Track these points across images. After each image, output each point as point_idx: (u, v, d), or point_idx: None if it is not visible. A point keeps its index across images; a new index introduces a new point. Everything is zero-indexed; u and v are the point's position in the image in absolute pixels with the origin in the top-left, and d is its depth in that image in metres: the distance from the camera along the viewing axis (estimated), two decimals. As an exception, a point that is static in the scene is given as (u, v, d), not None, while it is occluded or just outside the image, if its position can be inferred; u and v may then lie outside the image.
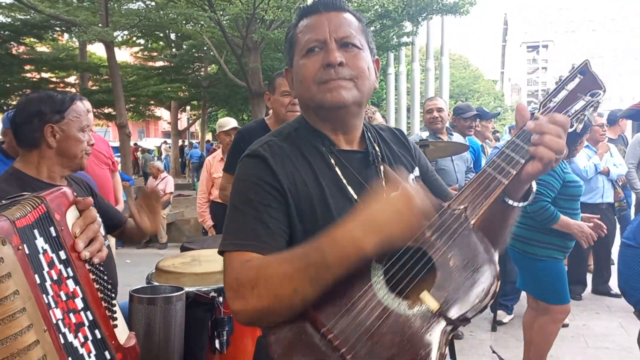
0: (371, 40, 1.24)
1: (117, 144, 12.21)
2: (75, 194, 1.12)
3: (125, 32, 14.56)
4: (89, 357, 1.02)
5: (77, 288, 1.03)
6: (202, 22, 11.11)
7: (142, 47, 19.76)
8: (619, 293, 3.87)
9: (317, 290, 0.98)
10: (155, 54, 19.84)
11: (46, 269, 0.96)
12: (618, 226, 5.29)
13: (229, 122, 4.91)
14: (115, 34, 11.43)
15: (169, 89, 18.68)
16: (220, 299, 1.90)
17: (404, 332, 0.96)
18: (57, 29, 14.31)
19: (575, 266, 4.96)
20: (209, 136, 28.05)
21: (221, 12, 10.09)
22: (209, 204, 4.64)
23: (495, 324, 4.23)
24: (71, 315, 1.00)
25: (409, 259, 1.04)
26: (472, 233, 1.01)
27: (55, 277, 0.98)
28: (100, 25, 10.39)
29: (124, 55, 19.72)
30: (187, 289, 1.90)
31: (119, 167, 6.71)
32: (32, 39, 15.17)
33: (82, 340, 1.01)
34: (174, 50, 17.61)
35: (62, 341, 0.94)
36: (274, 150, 1.17)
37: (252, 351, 1.98)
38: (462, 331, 4.01)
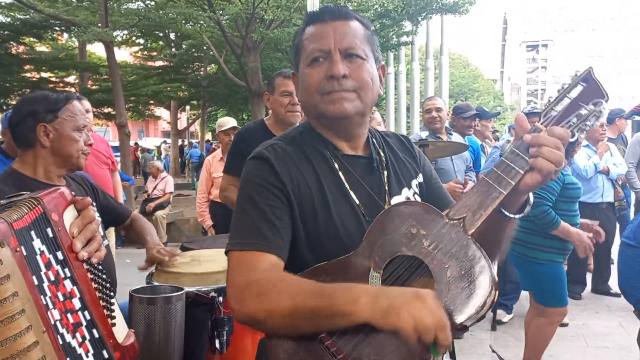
0: (377, 47, 1.24)
1: (116, 143, 12.21)
2: (73, 193, 1.12)
3: (125, 32, 14.54)
4: (87, 356, 1.02)
5: (75, 288, 1.03)
6: (201, 22, 11.09)
7: (141, 47, 19.75)
8: (618, 292, 3.87)
9: (314, 329, 1.01)
10: (154, 53, 19.83)
11: (43, 270, 0.96)
12: (618, 226, 5.29)
13: (228, 122, 4.91)
14: (114, 33, 11.41)
15: (169, 88, 18.67)
16: (220, 298, 1.90)
17: (400, 342, 0.96)
18: (57, 28, 14.28)
19: (575, 266, 4.96)
20: (208, 136, 28.06)
21: (221, 12, 10.08)
22: (209, 203, 4.64)
23: (495, 323, 4.23)
24: (69, 315, 1.00)
25: (406, 269, 1.06)
26: (470, 243, 1.01)
27: (52, 278, 0.98)
28: (99, 24, 10.38)
29: (123, 54, 19.71)
30: (187, 289, 1.90)
31: (119, 166, 6.70)
32: (31, 39, 15.14)
33: (80, 340, 1.01)
34: (173, 49, 17.60)
35: (61, 342, 0.95)
36: (278, 152, 1.19)
37: (252, 351, 1.99)
38: (462, 331, 4.01)
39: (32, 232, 0.96)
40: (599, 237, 3.01)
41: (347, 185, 1.20)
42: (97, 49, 17.56)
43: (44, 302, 0.93)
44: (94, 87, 16.64)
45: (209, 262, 2.13)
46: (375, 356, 0.99)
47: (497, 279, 0.99)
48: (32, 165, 1.79)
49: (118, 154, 9.32)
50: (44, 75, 16.49)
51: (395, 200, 1.24)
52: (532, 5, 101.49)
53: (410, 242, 1.05)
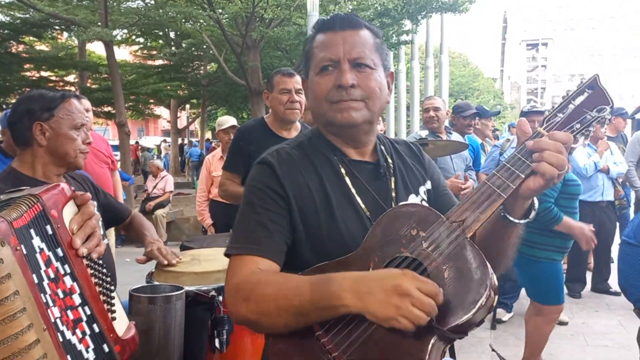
0: (386, 56, 1.26)
1: (116, 142, 12.20)
2: (73, 188, 1.12)
3: (125, 31, 14.52)
4: (87, 351, 1.02)
5: (75, 284, 1.03)
6: (201, 21, 11.09)
7: (141, 46, 19.72)
8: (618, 291, 3.88)
9: (302, 324, 1.04)
10: (154, 52, 19.80)
11: (43, 267, 0.96)
12: (618, 224, 5.29)
13: (228, 121, 4.91)
14: (114, 32, 11.40)
15: (169, 87, 18.64)
16: (220, 298, 1.90)
17: (395, 341, 0.97)
18: (57, 27, 14.25)
19: (574, 264, 4.96)
20: (208, 135, 28.05)
21: (220, 11, 10.07)
22: (209, 202, 4.64)
23: (495, 322, 4.24)
24: (69, 312, 1.00)
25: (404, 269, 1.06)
26: (468, 246, 1.01)
27: (52, 276, 0.98)
28: (99, 23, 10.37)
29: (123, 53, 19.68)
30: (186, 288, 1.90)
31: (119, 165, 6.70)
32: (31, 38, 15.12)
33: (80, 336, 1.02)
34: (173, 48, 17.57)
35: (61, 339, 0.95)
36: (282, 157, 1.22)
37: (252, 350, 1.99)
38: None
39: (32, 230, 0.96)
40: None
41: (352, 190, 1.22)
42: (96, 48, 17.55)
43: (44, 300, 0.93)
44: (93, 86, 16.62)
45: (208, 261, 2.13)
46: (372, 354, 0.99)
47: (496, 283, 0.99)
48: (31, 164, 1.79)
49: (118, 153, 9.33)
50: (44, 74, 16.46)
51: None
52: (532, 3, 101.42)
53: (410, 244, 1.06)
